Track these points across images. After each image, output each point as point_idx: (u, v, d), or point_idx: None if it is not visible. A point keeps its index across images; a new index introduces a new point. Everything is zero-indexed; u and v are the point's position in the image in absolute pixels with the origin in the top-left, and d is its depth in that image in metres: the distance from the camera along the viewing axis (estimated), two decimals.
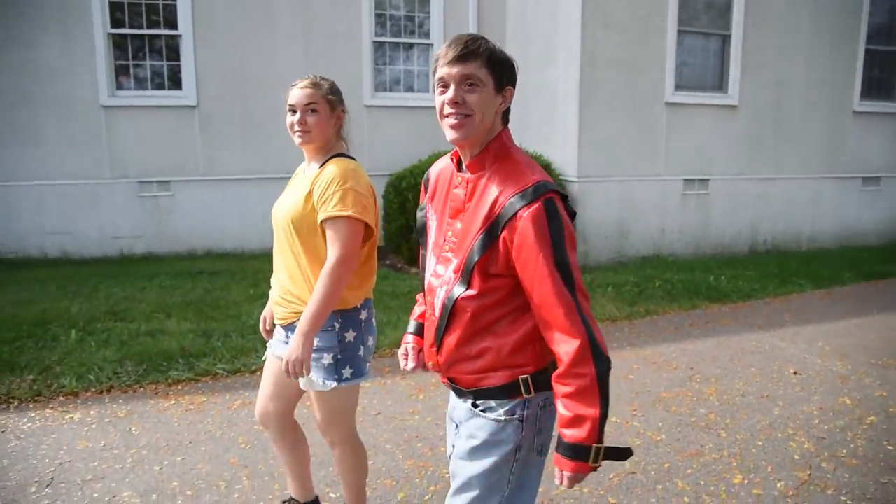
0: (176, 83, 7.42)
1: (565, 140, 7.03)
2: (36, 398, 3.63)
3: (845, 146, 8.16)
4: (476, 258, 1.40)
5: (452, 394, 1.61)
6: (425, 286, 1.58)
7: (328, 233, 2.00)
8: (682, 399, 3.68)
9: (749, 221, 7.83)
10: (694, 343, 4.66)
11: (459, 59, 1.37)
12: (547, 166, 6.91)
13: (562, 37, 6.99)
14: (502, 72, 1.41)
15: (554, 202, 1.36)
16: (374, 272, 2.19)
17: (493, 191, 1.41)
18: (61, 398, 3.65)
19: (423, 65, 8.24)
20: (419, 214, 1.66)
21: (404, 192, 6.88)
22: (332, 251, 1.98)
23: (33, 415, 3.45)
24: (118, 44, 7.24)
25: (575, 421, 1.35)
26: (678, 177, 7.38)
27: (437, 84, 1.43)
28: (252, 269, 6.66)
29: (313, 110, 2.06)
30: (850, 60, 7.94)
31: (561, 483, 1.40)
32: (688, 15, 7.12)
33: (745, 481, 2.81)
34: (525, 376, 1.45)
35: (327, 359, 2.06)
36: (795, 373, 4.06)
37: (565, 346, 1.34)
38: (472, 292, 1.42)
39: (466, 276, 1.42)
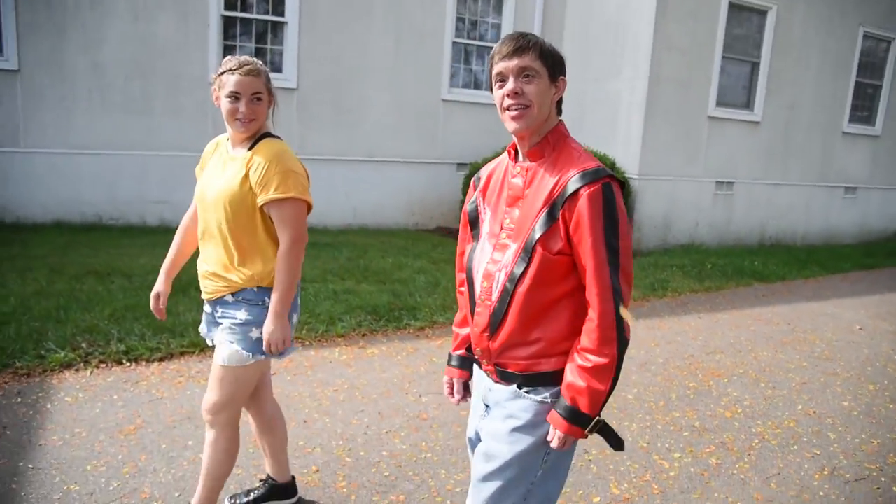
0: (277, 67, 8.30)
1: (627, 142, 8.57)
2: (307, 340, 4.69)
3: (833, 160, 10.26)
4: (538, 235, 1.51)
5: (484, 377, 1.71)
6: (479, 273, 1.64)
7: (275, 216, 2.13)
8: (800, 343, 5.29)
9: (760, 220, 9.72)
10: (775, 308, 6.34)
11: (515, 52, 1.50)
12: (612, 164, 8.41)
13: (629, 55, 8.51)
14: (554, 63, 1.53)
15: (612, 187, 1.48)
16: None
17: (555, 174, 1.53)
18: (322, 342, 4.73)
19: None
20: (469, 208, 1.75)
21: None
22: (284, 233, 2.13)
23: (313, 353, 4.53)
24: (228, 25, 8.04)
25: (586, 392, 1.49)
26: (712, 179, 9.11)
27: (495, 79, 1.56)
28: (361, 243, 7.73)
29: (258, 98, 2.14)
30: (843, 89, 10.02)
31: (551, 441, 1.55)
32: (729, 43, 8.84)
33: (874, 388, 4.41)
34: None
35: (255, 332, 2.18)
36: (861, 329, 5.79)
37: (594, 325, 1.48)
38: (533, 269, 1.52)
39: (528, 254, 1.52)
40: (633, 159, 8.49)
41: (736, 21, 8.85)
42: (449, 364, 1.91)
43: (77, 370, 3.86)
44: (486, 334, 1.61)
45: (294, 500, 2.69)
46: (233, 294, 2.21)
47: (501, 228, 1.61)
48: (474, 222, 1.72)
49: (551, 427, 1.55)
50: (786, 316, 6.10)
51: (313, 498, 2.78)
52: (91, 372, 3.85)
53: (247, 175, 2.12)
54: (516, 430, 1.58)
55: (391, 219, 9.12)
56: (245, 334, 2.19)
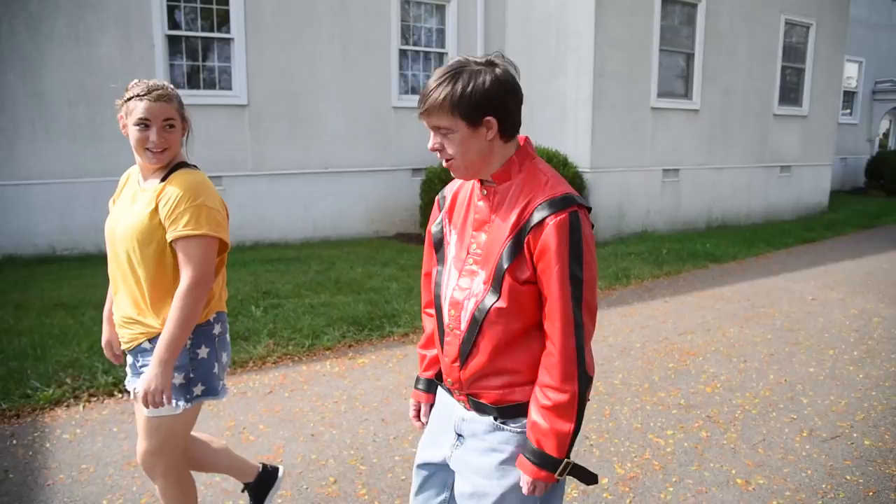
0: (226, 84, 8.24)
1: (577, 138, 8.87)
2: (295, 356, 4.73)
3: (768, 142, 10.85)
4: (506, 265, 1.45)
5: (456, 405, 1.64)
6: (446, 301, 1.58)
7: (180, 253, 1.96)
8: (761, 317, 5.63)
9: (706, 203, 10.20)
10: (733, 286, 6.71)
11: (424, 113, 1.44)
12: (564, 160, 8.69)
13: (572, 52, 8.81)
14: (470, 110, 1.40)
15: (579, 216, 1.42)
16: (224, 284, 2.20)
17: (522, 199, 1.46)
18: (302, 356, 4.79)
19: None
20: (434, 230, 1.68)
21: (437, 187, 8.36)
22: (186, 273, 1.95)
23: (304, 368, 4.58)
24: (173, 45, 7.94)
25: (549, 433, 1.43)
26: (659, 167, 9.52)
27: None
28: (325, 255, 7.76)
29: (171, 126, 1.99)
30: (771, 74, 10.62)
31: (524, 487, 1.49)
32: (665, 36, 9.26)
33: (833, 352, 4.77)
34: None
35: (178, 378, 2.02)
36: (813, 299, 6.21)
37: (554, 360, 1.43)
38: (503, 303, 1.46)
39: (497, 286, 1.47)
40: (583, 154, 8.80)
41: (670, 14, 9.28)
42: (416, 387, 1.85)
43: (68, 406, 3.81)
44: (456, 364, 1.56)
45: (280, 475, 2.65)
46: (149, 340, 2.04)
47: (468, 253, 1.55)
48: (439, 245, 1.66)
49: (521, 472, 1.49)
50: (744, 293, 6.47)
51: None
52: (83, 407, 3.80)
53: (156, 209, 1.96)
54: (503, 463, 1.54)
55: (352, 228, 9.17)
56: None
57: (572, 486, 3.01)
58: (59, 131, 7.42)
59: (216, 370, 2.11)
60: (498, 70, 1.43)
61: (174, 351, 1.93)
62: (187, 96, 7.92)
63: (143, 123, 1.95)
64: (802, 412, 3.83)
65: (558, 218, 1.40)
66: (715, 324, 5.50)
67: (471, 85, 1.40)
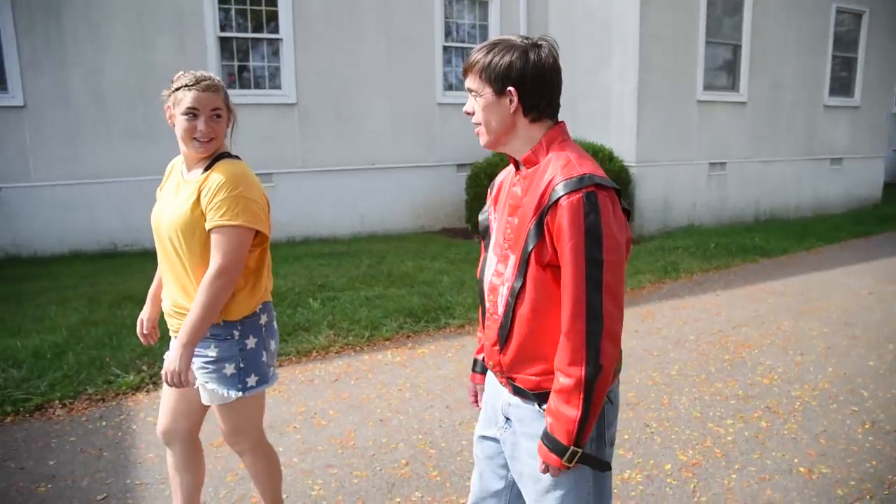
0: (276, 83, 8.47)
1: (622, 131, 8.89)
2: (356, 346, 4.90)
3: (817, 134, 10.70)
4: (530, 247, 1.47)
5: (503, 389, 1.66)
6: (486, 286, 1.63)
7: (212, 241, 1.98)
8: (816, 311, 5.62)
9: (753, 196, 10.11)
10: (785, 280, 6.69)
11: (463, 72, 1.56)
12: (610, 154, 8.71)
13: (616, 46, 8.83)
14: (496, 77, 1.48)
15: (595, 196, 1.40)
16: (269, 275, 2.21)
17: (544, 180, 1.47)
18: (363, 346, 4.95)
19: None
20: (481, 218, 1.74)
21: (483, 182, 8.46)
22: (215, 260, 1.97)
23: (366, 357, 4.75)
24: (224, 46, 8.20)
25: (558, 417, 1.44)
26: (705, 161, 9.47)
27: None
28: (375, 249, 7.94)
29: (218, 116, 2.02)
30: (821, 64, 10.45)
31: (539, 467, 1.53)
32: (711, 28, 9.20)
33: (893, 346, 4.76)
34: None
35: (230, 369, 2.08)
36: (869, 293, 6.16)
37: (562, 343, 1.43)
38: (529, 284, 1.49)
39: (523, 269, 1.49)
40: (629, 148, 8.81)
41: (715, 5, 9.21)
42: (473, 370, 1.93)
43: (147, 391, 4.05)
44: (496, 348, 1.60)
45: None
46: None
47: (504, 238, 1.59)
48: (485, 232, 1.71)
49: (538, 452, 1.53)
50: (797, 287, 6.45)
51: (410, 488, 3.00)
52: (161, 392, 4.02)
53: (198, 199, 1.99)
54: None
55: (398, 223, 9.34)
56: (219, 372, 2.09)
57: (636, 472, 3.12)
58: (119, 131, 7.74)
59: (265, 358, 2.17)
60: (535, 52, 1.50)
61: (195, 335, 1.97)
62: (238, 96, 8.21)
63: (192, 113, 1.98)
64: (864, 405, 3.85)
65: (572, 198, 1.40)
66: (769, 317, 5.51)
67: (501, 56, 1.48)
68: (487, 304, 1.63)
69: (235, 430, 2.22)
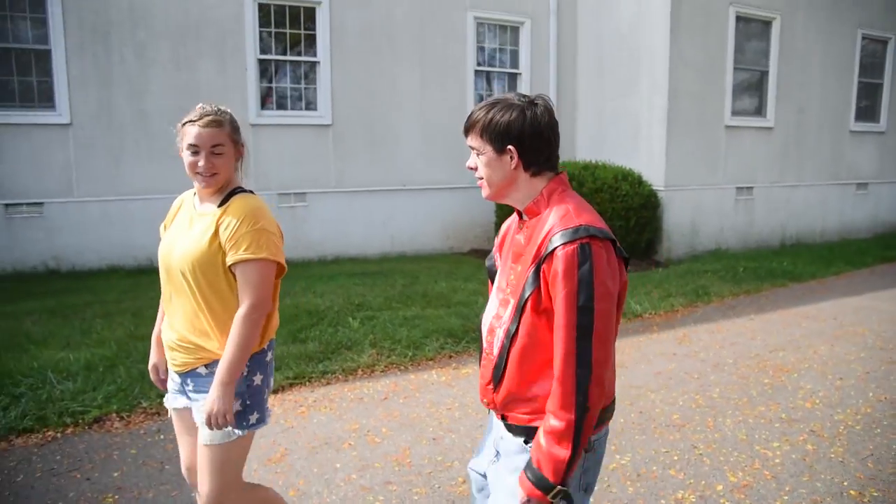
0: (312, 105, 8.69)
1: (651, 156, 9.01)
2: (401, 365, 5.00)
3: (843, 159, 10.78)
4: (527, 294, 1.55)
5: (499, 423, 1.73)
6: (485, 328, 1.72)
7: (239, 277, 2.01)
8: (851, 336, 5.68)
9: (780, 221, 10.18)
10: (818, 305, 6.75)
11: (465, 131, 1.65)
12: (639, 178, 8.83)
13: (645, 71, 8.98)
14: (496, 136, 1.58)
15: (590, 247, 1.48)
16: (277, 311, 2.22)
17: (544, 230, 1.56)
18: (407, 365, 5.06)
19: (512, 90, 9.98)
20: (489, 263, 1.83)
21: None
22: (246, 296, 2.00)
23: (412, 376, 4.85)
24: (264, 67, 8.44)
25: (547, 457, 1.50)
26: (732, 185, 9.57)
27: None
28: (407, 269, 8.08)
29: (219, 152, 2.04)
30: (847, 90, 10.56)
31: (519, 500, 1.57)
32: (739, 55, 9.35)
33: None
34: None
35: (235, 405, 2.05)
36: None
37: (555, 388, 1.51)
38: (524, 328, 1.57)
39: (519, 313, 1.57)
40: (657, 172, 8.93)
41: (743, 32, 9.36)
42: None
43: None
44: (490, 387, 1.68)
45: None
46: (206, 366, 2.09)
47: (507, 283, 1.67)
48: (493, 276, 1.80)
49: (519, 486, 1.57)
50: (830, 311, 6.50)
51: None
52: None
53: (216, 233, 2.02)
54: None
55: (428, 244, 9.48)
56: None
57: (689, 492, 3.20)
58: (160, 150, 7.95)
59: (266, 395, 2.16)
60: (532, 110, 1.59)
61: (235, 373, 2.00)
62: (275, 116, 8.48)
63: (193, 149, 2.02)
64: None
65: (568, 248, 1.47)
66: (804, 342, 5.57)
67: (501, 115, 1.58)
68: (485, 345, 1.72)
69: (221, 479, 2.12)
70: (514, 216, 1.78)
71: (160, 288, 2.23)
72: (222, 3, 8.05)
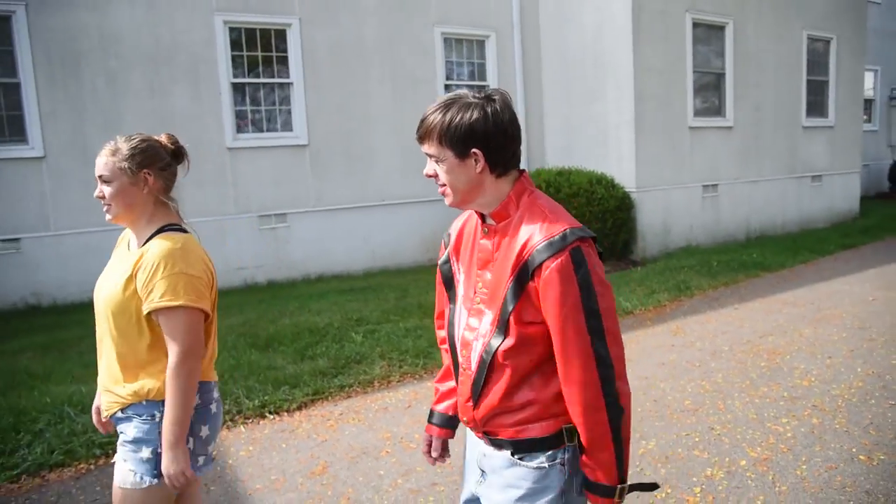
0: (288, 126, 8.80)
1: (620, 159, 9.41)
2: (415, 374, 5.17)
3: (798, 153, 11.43)
4: (511, 307, 1.48)
5: (479, 441, 1.67)
6: (458, 341, 1.62)
7: (162, 325, 1.91)
8: (831, 318, 6.10)
9: (744, 216, 10.72)
10: (794, 292, 7.18)
11: (419, 139, 1.52)
12: (611, 181, 9.20)
13: (610, 79, 9.40)
14: (457, 141, 1.46)
15: (580, 251, 1.44)
16: (213, 353, 2.12)
17: (520, 238, 1.48)
18: (421, 374, 5.24)
19: None
20: (443, 268, 1.71)
21: None
22: (173, 347, 1.89)
23: (429, 384, 5.02)
24: (237, 92, 8.51)
25: (598, 465, 1.49)
26: (698, 184, 10.06)
27: None
28: (394, 283, 8.24)
29: (105, 180, 1.97)
30: (797, 88, 11.23)
31: None
32: (698, 59, 9.87)
33: None
34: (569, 424, 1.54)
35: (146, 452, 1.94)
36: (873, 299, 6.68)
37: (576, 398, 1.47)
38: (509, 342, 1.49)
39: (503, 327, 1.50)
40: (628, 174, 9.33)
41: (700, 38, 9.90)
42: (429, 421, 1.89)
43: (229, 428, 4.25)
44: (469, 404, 1.60)
45: None
46: (122, 410, 1.99)
47: (475, 292, 1.59)
48: (449, 283, 1.69)
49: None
50: (806, 297, 6.94)
51: None
52: (243, 427, 4.25)
53: (131, 277, 1.92)
54: (520, 499, 1.57)
55: (409, 258, 9.66)
56: (135, 453, 1.95)
57: (716, 469, 3.46)
58: None
59: (191, 445, 1.99)
60: (491, 106, 1.48)
61: (181, 430, 1.90)
62: (252, 139, 8.61)
63: (97, 179, 2.01)
64: None
65: (558, 260, 1.42)
66: (789, 326, 5.96)
67: (458, 117, 1.46)
68: (460, 359, 1.63)
69: None
70: (469, 217, 1.70)
71: None
72: (193, 27, 8.12)
